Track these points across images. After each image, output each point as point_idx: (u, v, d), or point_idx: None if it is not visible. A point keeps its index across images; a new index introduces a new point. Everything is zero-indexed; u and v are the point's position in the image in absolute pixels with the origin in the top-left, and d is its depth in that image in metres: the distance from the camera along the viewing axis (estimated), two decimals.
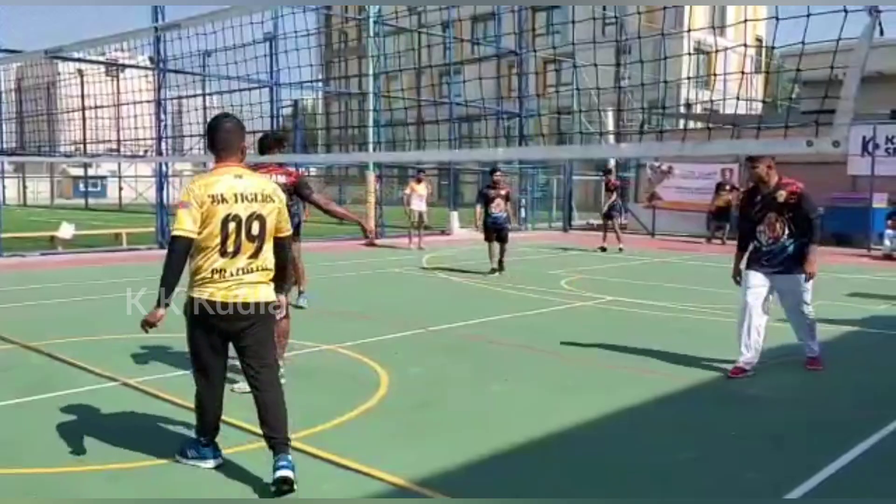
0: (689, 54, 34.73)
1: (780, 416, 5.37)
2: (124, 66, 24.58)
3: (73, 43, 6.42)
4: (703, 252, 18.04)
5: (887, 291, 11.62)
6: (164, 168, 18.51)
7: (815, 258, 6.31)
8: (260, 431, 4.11)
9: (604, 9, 36.15)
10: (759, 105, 32.93)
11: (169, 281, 3.84)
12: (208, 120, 4.48)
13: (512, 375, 6.32)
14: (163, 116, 17.69)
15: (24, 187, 44.61)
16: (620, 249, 17.47)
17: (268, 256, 4.08)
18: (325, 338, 7.49)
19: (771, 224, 6.33)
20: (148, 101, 23.42)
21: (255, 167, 5.67)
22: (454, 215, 23.23)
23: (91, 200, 42.71)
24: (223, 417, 4.34)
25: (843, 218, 19.92)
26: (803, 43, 3.25)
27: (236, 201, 3.93)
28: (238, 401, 5.43)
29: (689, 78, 35.27)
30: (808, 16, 3.20)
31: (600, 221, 19.15)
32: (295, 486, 3.84)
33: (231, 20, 7.04)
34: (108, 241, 18.13)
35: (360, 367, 6.52)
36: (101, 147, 33.03)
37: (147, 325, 3.90)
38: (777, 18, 3.53)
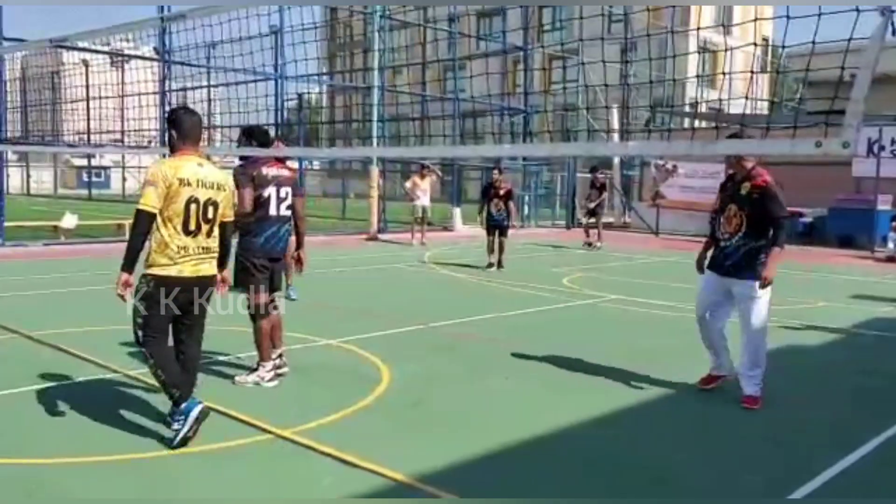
0: (698, 52, 34.63)
1: (780, 417, 5.35)
2: (129, 57, 24.56)
3: (79, 32, 6.40)
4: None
5: (890, 294, 11.58)
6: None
7: (775, 264, 5.43)
8: (258, 423, 4.39)
9: (610, 6, 36.07)
10: (766, 105, 32.85)
11: (134, 249, 4.28)
12: (211, 111, 4.83)
13: (512, 373, 6.31)
14: (167, 107, 17.67)
15: (28, 177, 44.70)
16: (598, 247, 17.60)
17: (216, 238, 4.59)
18: (326, 333, 7.48)
19: (729, 217, 5.62)
20: (153, 93, 23.44)
21: (254, 161, 5.72)
22: (457, 211, 23.20)
23: (94, 191, 42.71)
24: (219, 408, 4.50)
25: (847, 219, 19.89)
26: (813, 43, 3.22)
27: (198, 186, 4.40)
28: (238, 393, 5.42)
29: (697, 76, 35.21)
30: (819, 15, 3.17)
31: (585, 220, 18.95)
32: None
33: (237, 12, 7.05)
34: (110, 232, 18.13)
35: (360, 362, 6.51)
36: (104, 137, 33.05)
37: (121, 288, 4.26)
38: (788, 17, 3.50)
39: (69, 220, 17.21)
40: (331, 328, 7.72)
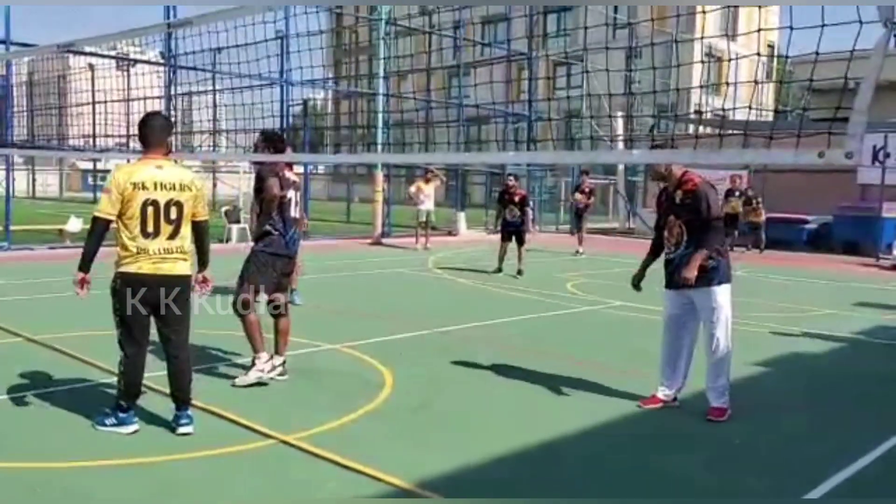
0: (702, 62, 34.64)
1: (782, 425, 5.34)
2: (135, 62, 24.66)
3: (87, 38, 6.44)
4: None
5: (895, 302, 11.56)
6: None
7: (695, 264, 5.18)
8: (261, 428, 4.41)
9: (615, 12, 36.13)
10: (770, 113, 32.82)
11: (88, 252, 4.52)
12: (216, 117, 4.99)
13: (517, 378, 6.31)
14: (172, 112, 17.73)
15: (34, 180, 44.80)
16: (579, 253, 17.38)
17: (186, 238, 4.65)
18: (330, 337, 7.49)
19: (671, 229, 5.45)
20: (158, 98, 23.50)
21: (275, 162, 5.87)
22: (461, 216, 23.21)
23: (99, 194, 42.79)
24: (222, 413, 4.56)
25: (851, 227, 19.86)
26: (817, 53, 3.23)
27: (155, 188, 4.50)
28: (242, 398, 5.43)
29: (701, 87, 35.18)
30: (823, 26, 3.18)
31: (573, 224, 18.68)
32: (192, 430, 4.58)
33: (244, 18, 7.07)
34: (115, 236, 18.17)
35: (364, 367, 6.51)
36: (110, 141, 33.13)
37: (77, 286, 4.52)
38: (791, 28, 3.52)
39: (74, 224, 17.21)
40: (334, 332, 7.73)
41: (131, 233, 4.48)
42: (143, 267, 4.49)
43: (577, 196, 18.06)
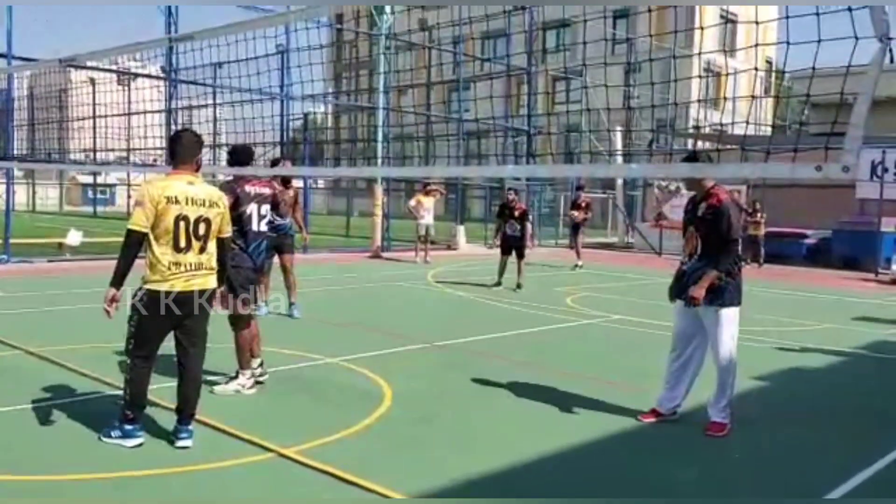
0: (699, 77, 34.80)
1: (782, 439, 5.33)
2: (136, 76, 24.74)
3: (88, 52, 6.47)
4: None
5: (894, 316, 11.56)
6: None
7: (705, 284, 5.17)
8: (260, 442, 4.45)
9: (614, 27, 36.31)
10: (769, 127, 32.95)
11: (122, 267, 4.44)
12: (217, 131, 5.05)
13: (516, 392, 6.30)
14: (173, 126, 17.77)
15: (34, 193, 44.82)
16: (578, 266, 17.34)
17: (212, 254, 4.70)
18: (329, 350, 7.48)
19: (689, 239, 5.45)
20: (158, 111, 23.59)
21: (239, 178, 6.03)
22: (461, 230, 23.23)
23: (99, 208, 42.85)
24: (221, 426, 4.63)
25: (850, 242, 19.89)
26: (813, 68, 3.26)
27: (187, 204, 4.53)
28: (241, 411, 5.42)
29: (699, 101, 35.34)
30: (819, 41, 3.21)
31: (571, 239, 18.48)
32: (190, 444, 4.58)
33: (244, 33, 7.09)
34: (115, 249, 18.14)
35: (363, 380, 6.50)
36: (110, 155, 33.23)
37: (107, 304, 4.39)
38: (788, 43, 3.54)
39: (74, 237, 17.25)
40: (333, 346, 7.72)
41: (163, 248, 4.49)
42: (176, 285, 4.50)
43: (574, 213, 18.08)
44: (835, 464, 4.85)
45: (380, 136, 20.82)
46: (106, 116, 30.93)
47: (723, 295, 5.27)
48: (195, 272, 4.58)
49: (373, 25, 22.83)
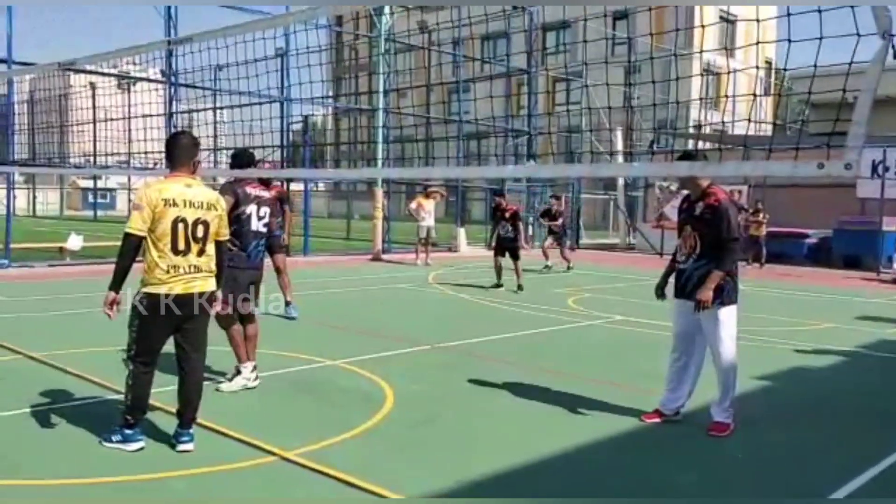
0: (701, 74, 34.78)
1: (785, 439, 5.31)
2: (136, 80, 24.77)
3: (87, 56, 6.47)
4: None
5: None
6: None
7: (711, 286, 5.16)
8: (262, 444, 4.49)
9: (614, 27, 36.32)
10: (769, 126, 32.94)
11: (121, 270, 4.45)
12: (217, 134, 5.09)
13: (518, 394, 6.28)
14: (173, 130, 17.76)
15: (34, 198, 44.89)
16: (571, 267, 17.22)
17: (211, 256, 4.69)
18: (330, 353, 7.47)
19: (685, 238, 5.41)
20: (158, 115, 23.58)
21: (239, 181, 6.18)
22: (461, 232, 23.22)
23: (100, 212, 42.92)
24: (222, 429, 4.66)
25: (851, 241, 19.87)
26: (815, 66, 3.24)
27: (185, 206, 4.52)
28: (242, 414, 5.41)
29: (700, 99, 35.32)
30: (820, 39, 3.19)
31: (551, 242, 17.58)
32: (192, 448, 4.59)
33: (244, 36, 7.08)
34: (115, 253, 18.17)
35: (364, 382, 6.49)
36: (111, 159, 33.23)
37: (107, 307, 4.41)
38: (790, 41, 3.53)
39: (74, 242, 17.26)
40: (335, 348, 7.71)
41: (161, 251, 4.47)
42: (175, 288, 4.49)
43: (544, 220, 17.76)
44: (838, 464, 4.83)
45: (380, 138, 20.81)
46: (106, 120, 30.94)
47: (721, 293, 5.25)
48: (195, 275, 4.58)
49: (372, 27, 22.82)
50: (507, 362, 7.56)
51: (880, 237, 18.86)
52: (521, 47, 25.81)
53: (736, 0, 31.75)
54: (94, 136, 32.62)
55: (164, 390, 5.25)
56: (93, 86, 31.86)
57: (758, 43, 8.93)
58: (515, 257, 13.49)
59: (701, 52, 31.95)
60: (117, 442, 4.59)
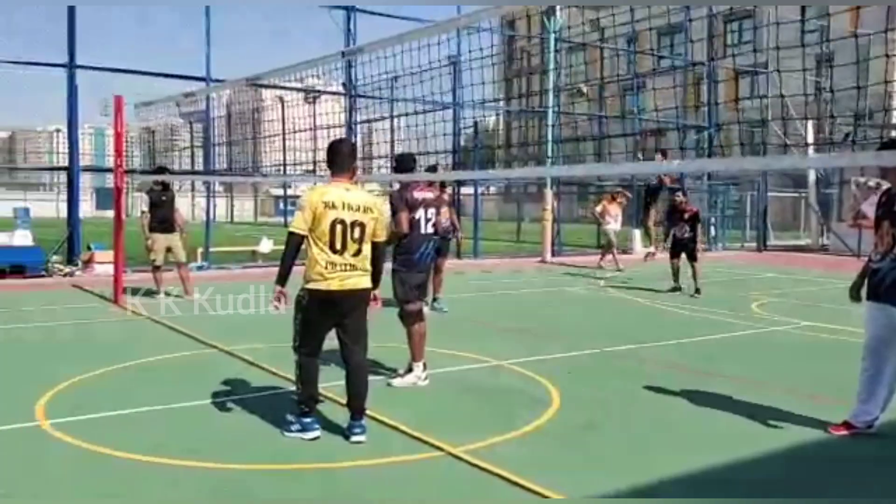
0: None
1: None
2: (318, 93, 26.20)
3: (269, 71, 6.92)
4: None
5: None
6: None
7: None
8: (431, 440, 4.70)
9: (802, 14, 33.89)
10: None
11: (285, 266, 4.84)
12: (391, 140, 5.49)
13: (691, 400, 6.00)
14: (354, 139, 18.61)
15: (232, 206, 48.75)
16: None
17: (367, 257, 4.95)
18: (497, 353, 7.49)
19: (882, 235, 4.92)
20: (340, 126, 24.81)
21: (406, 186, 6.49)
22: (636, 234, 22.53)
23: (290, 218, 45.67)
24: (393, 423, 4.90)
25: None
26: None
27: (343, 209, 4.83)
28: (409, 410, 5.53)
29: None
30: None
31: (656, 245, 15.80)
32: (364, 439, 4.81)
33: (417, 42, 7.25)
34: (302, 255, 19.28)
35: (530, 384, 6.45)
36: (298, 168, 35.39)
37: (275, 300, 4.81)
38: None
39: (265, 245, 18.53)
40: (502, 349, 7.73)
41: (321, 249, 4.80)
42: (332, 284, 4.79)
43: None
44: None
45: (549, 136, 20.63)
46: (295, 132, 32.99)
47: None
48: (350, 272, 4.85)
49: (543, 28, 22.72)
50: (681, 367, 7.24)
51: None
52: (699, 37, 24.63)
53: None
54: (284, 147, 34.88)
55: (335, 384, 5.49)
56: (281, 100, 34.10)
57: None
58: (693, 259, 12.87)
59: None
60: (296, 431, 4.89)
